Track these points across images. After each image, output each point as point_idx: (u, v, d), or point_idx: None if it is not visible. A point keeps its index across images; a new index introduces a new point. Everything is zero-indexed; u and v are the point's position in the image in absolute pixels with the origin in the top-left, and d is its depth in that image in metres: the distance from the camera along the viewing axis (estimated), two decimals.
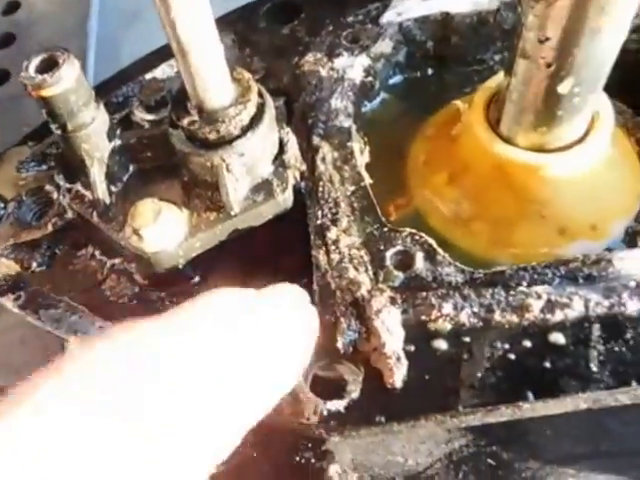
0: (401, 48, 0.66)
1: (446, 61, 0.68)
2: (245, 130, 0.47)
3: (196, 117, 0.46)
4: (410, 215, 0.59)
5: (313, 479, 0.49)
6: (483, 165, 0.54)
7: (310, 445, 0.52)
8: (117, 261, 0.55)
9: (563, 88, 0.44)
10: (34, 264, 0.55)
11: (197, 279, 0.54)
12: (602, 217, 0.54)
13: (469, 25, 0.63)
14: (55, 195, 0.57)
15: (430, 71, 0.69)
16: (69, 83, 0.44)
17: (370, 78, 0.64)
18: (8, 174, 0.61)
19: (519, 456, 0.51)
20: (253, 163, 0.49)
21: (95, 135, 0.48)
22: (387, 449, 0.53)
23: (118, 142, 0.51)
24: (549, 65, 0.43)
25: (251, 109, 0.46)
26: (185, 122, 0.46)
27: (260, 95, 0.48)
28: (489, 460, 0.51)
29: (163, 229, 0.48)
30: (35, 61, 0.44)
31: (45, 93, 0.43)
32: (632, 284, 0.43)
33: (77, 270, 0.56)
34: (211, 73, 0.43)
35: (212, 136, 0.46)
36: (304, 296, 0.42)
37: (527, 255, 0.52)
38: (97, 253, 0.56)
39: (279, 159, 0.51)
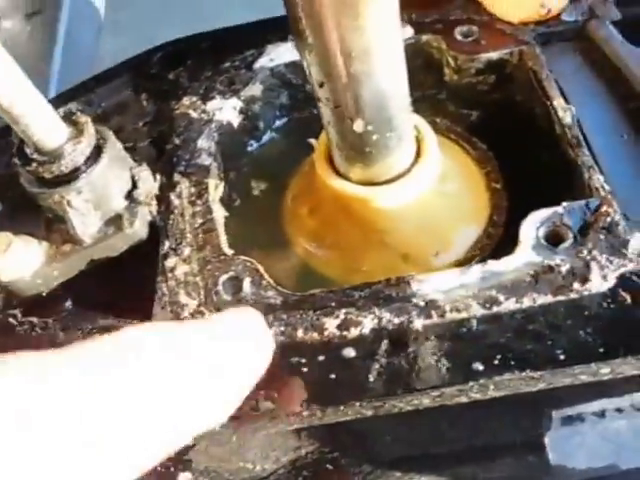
0: (281, 91, 0.69)
1: None
2: (82, 170, 0.50)
3: (36, 158, 0.49)
4: (282, 246, 0.62)
5: None
6: (329, 199, 0.57)
7: (174, 455, 0.55)
8: None
9: (357, 127, 0.47)
10: None
11: (69, 304, 0.57)
12: (442, 243, 0.57)
13: None
14: None
15: (314, 111, 0.72)
16: None
17: (249, 120, 0.67)
18: None
19: (356, 461, 0.53)
20: (98, 199, 0.52)
21: None
22: (242, 456, 0.55)
23: None
24: (337, 106, 0.46)
25: (84, 150, 0.49)
26: (24, 164, 0.49)
27: (101, 137, 0.51)
28: (328, 465, 0.53)
29: (15, 260, 0.51)
30: None
31: None
32: (422, 303, 0.45)
33: None
34: (33, 121, 0.46)
35: (48, 175, 0.49)
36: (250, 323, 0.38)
37: (376, 279, 0.55)
38: None
39: (131, 195, 0.54)
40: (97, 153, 0.50)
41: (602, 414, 0.50)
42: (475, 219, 0.59)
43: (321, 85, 0.45)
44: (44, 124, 0.47)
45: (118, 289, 0.57)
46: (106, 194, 0.52)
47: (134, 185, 0.54)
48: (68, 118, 0.50)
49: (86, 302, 0.57)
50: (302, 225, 0.62)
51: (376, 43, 0.42)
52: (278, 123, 0.71)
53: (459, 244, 0.57)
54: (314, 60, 0.43)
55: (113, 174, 0.52)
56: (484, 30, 0.65)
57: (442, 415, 0.46)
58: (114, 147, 0.52)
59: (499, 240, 0.57)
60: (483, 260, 0.55)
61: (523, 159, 0.60)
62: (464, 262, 0.56)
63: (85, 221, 0.51)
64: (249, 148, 0.70)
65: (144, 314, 0.53)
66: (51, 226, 0.53)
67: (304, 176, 0.66)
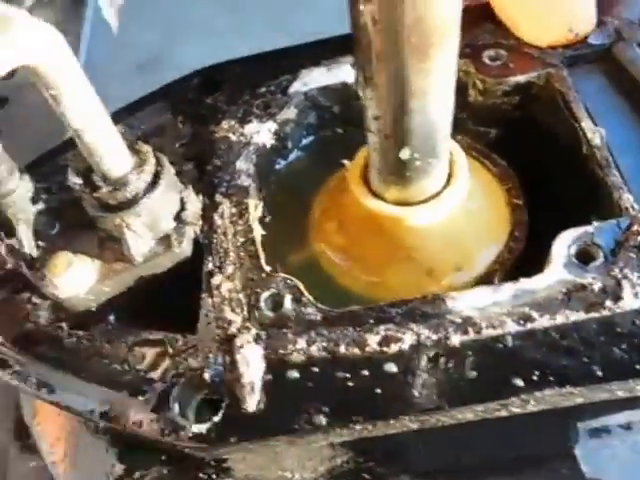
0: (310, 112, 0.71)
1: (352, 122, 0.72)
2: (142, 195, 0.52)
3: (100, 186, 0.51)
4: (308, 260, 0.64)
5: None
6: (359, 216, 0.58)
7: (213, 462, 0.57)
8: (49, 303, 0.60)
9: (403, 155, 0.48)
10: None
11: (112, 319, 0.59)
12: (465, 258, 0.58)
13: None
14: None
15: (339, 130, 0.74)
16: None
17: (281, 141, 0.69)
18: None
19: (392, 470, 0.55)
20: (153, 221, 0.54)
21: (19, 201, 0.54)
22: (280, 465, 0.57)
23: (42, 205, 0.56)
24: (387, 137, 0.48)
25: (146, 177, 0.51)
26: (92, 190, 0.52)
27: (159, 163, 0.54)
28: (365, 475, 0.55)
29: (73, 278, 0.53)
30: None
31: None
32: (458, 320, 0.47)
33: (14, 311, 0.61)
34: (105, 151, 0.48)
35: (112, 201, 0.51)
36: None
37: (401, 294, 0.56)
38: (33, 297, 0.61)
39: (179, 216, 0.56)
40: (155, 179, 0.52)
41: (628, 426, 0.51)
42: (497, 234, 0.60)
43: (376, 118, 0.46)
44: (115, 156, 0.49)
45: (159, 303, 0.59)
46: (159, 216, 0.54)
47: (182, 207, 0.56)
48: (132, 147, 0.52)
49: (129, 316, 0.59)
50: (330, 239, 0.63)
51: (437, 82, 0.44)
52: (305, 142, 0.73)
53: (481, 259, 0.59)
54: (375, 97, 0.45)
55: (167, 198, 0.54)
56: (512, 54, 0.67)
57: (475, 427, 0.48)
58: (169, 173, 0.54)
59: (520, 255, 0.59)
60: (504, 274, 0.57)
61: (543, 176, 0.61)
62: (486, 276, 0.58)
63: (139, 242, 0.53)
64: (277, 166, 0.71)
65: (185, 327, 0.55)
66: (104, 245, 0.55)
67: (331, 192, 0.68)
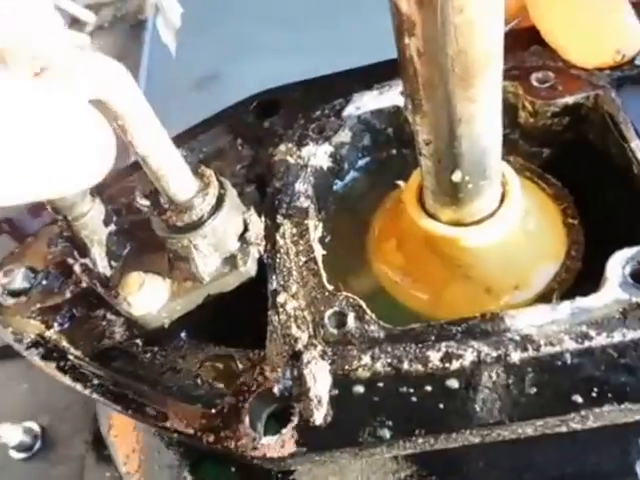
0: (364, 135, 0.73)
1: (405, 143, 0.74)
2: (207, 217, 0.54)
3: (167, 208, 0.54)
4: (368, 279, 0.66)
5: None
6: (416, 236, 0.60)
7: (280, 475, 0.59)
8: (123, 320, 0.63)
9: (455, 177, 0.50)
10: (56, 324, 0.64)
11: (184, 335, 0.61)
12: (523, 277, 0.59)
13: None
14: (74, 267, 0.66)
15: (394, 151, 0.76)
16: None
17: (337, 162, 0.71)
18: (40, 249, 0.70)
19: None
20: (218, 241, 0.56)
21: (92, 223, 0.56)
22: (344, 478, 0.59)
23: (114, 227, 0.59)
24: (439, 160, 0.49)
25: (210, 200, 0.54)
26: (159, 213, 0.54)
27: (222, 187, 0.56)
28: None
29: (146, 296, 0.55)
30: None
31: None
32: (517, 337, 0.48)
33: (91, 328, 0.64)
34: (170, 176, 0.51)
35: (179, 224, 0.53)
36: None
37: (460, 312, 0.58)
38: (108, 314, 0.64)
39: (243, 237, 0.58)
40: (219, 201, 0.55)
41: None
42: (553, 254, 0.61)
43: (427, 143, 0.48)
44: (180, 180, 0.52)
45: (227, 320, 0.61)
46: (224, 237, 0.56)
47: (245, 227, 0.58)
48: (196, 171, 0.54)
49: (199, 332, 0.62)
50: (388, 258, 0.65)
51: (483, 109, 0.45)
52: (360, 163, 0.75)
53: (539, 278, 0.60)
54: (424, 123, 0.47)
55: (231, 219, 0.56)
56: (559, 76, 0.67)
57: (536, 443, 0.49)
58: (232, 195, 0.56)
59: (577, 274, 0.60)
60: (563, 293, 0.58)
61: (596, 195, 0.62)
62: (544, 295, 0.59)
63: (206, 261, 0.55)
64: (334, 187, 0.73)
65: (253, 343, 0.57)
66: (173, 264, 0.58)
67: (387, 212, 0.69)
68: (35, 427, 0.80)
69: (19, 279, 0.67)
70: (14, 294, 0.68)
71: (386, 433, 0.46)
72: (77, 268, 0.63)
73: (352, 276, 0.65)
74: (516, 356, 0.47)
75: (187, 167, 0.53)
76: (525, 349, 0.48)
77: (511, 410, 0.45)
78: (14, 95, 0.35)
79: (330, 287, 0.57)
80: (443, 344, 0.49)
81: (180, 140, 0.76)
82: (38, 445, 0.79)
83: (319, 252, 0.60)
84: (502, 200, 0.58)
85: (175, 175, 0.51)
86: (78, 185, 0.38)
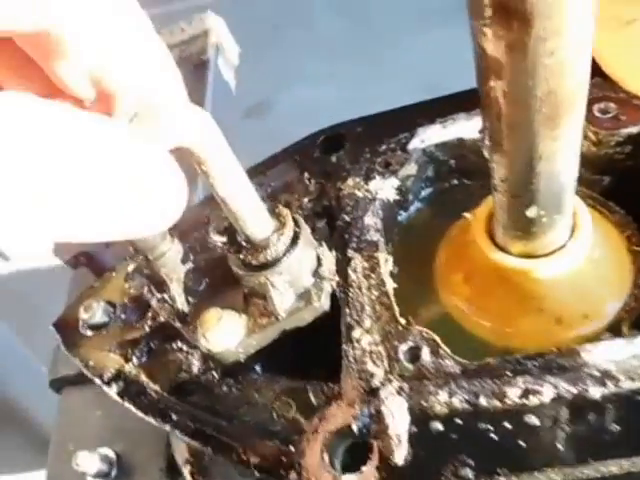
0: (428, 166, 0.73)
1: (467, 173, 0.74)
2: (283, 255, 0.55)
3: (244, 247, 0.55)
4: (437, 311, 0.65)
5: None
6: (485, 268, 0.59)
7: None
8: (199, 353, 0.64)
9: (531, 213, 0.49)
10: (134, 358, 0.65)
11: (258, 369, 0.62)
12: (592, 307, 0.58)
13: (481, 146, 0.69)
14: (152, 301, 0.67)
15: (455, 182, 0.75)
16: None
17: (402, 194, 0.71)
18: (118, 283, 0.72)
19: None
20: (293, 278, 0.56)
21: (171, 261, 0.58)
22: None
23: (191, 265, 0.60)
24: (515, 196, 0.49)
25: (286, 240, 0.54)
26: (236, 251, 0.55)
27: (296, 224, 0.56)
28: None
29: (224, 333, 0.56)
30: None
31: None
32: (596, 373, 0.47)
33: (168, 361, 0.65)
34: (248, 217, 0.51)
35: (256, 262, 0.54)
36: None
37: (531, 342, 0.57)
38: (184, 347, 0.65)
39: (317, 272, 0.59)
40: (295, 239, 0.55)
41: None
42: (621, 282, 0.60)
43: (504, 180, 0.48)
44: (258, 221, 0.52)
45: (300, 354, 0.61)
46: (300, 273, 0.56)
47: (319, 263, 0.59)
48: (272, 211, 0.55)
49: (273, 366, 0.62)
50: (456, 290, 0.64)
51: (565, 146, 0.45)
52: (423, 194, 0.75)
53: (608, 307, 0.58)
54: (502, 161, 0.46)
55: (305, 255, 0.57)
56: (621, 106, 0.66)
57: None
58: (306, 232, 0.57)
59: None
60: (631, 322, 0.56)
61: None
62: (614, 325, 0.58)
63: (283, 298, 0.56)
64: (399, 218, 0.73)
65: (327, 376, 0.57)
66: (249, 300, 0.58)
67: (453, 242, 0.69)
68: (111, 454, 0.81)
69: (99, 313, 0.69)
70: (94, 328, 0.69)
71: (468, 472, 0.45)
72: (154, 303, 0.64)
73: (420, 307, 0.64)
74: (596, 392, 0.46)
75: (264, 208, 0.53)
76: (604, 385, 0.46)
77: (595, 448, 0.44)
78: (111, 142, 0.35)
79: (402, 320, 0.56)
80: (520, 379, 0.49)
81: (249, 175, 0.78)
82: (114, 472, 0.79)
83: (390, 285, 0.60)
84: (572, 231, 0.57)
85: (254, 216, 0.52)
86: (152, 228, 0.38)
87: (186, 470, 0.72)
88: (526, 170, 0.46)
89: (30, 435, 1.56)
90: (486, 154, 0.48)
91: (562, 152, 0.45)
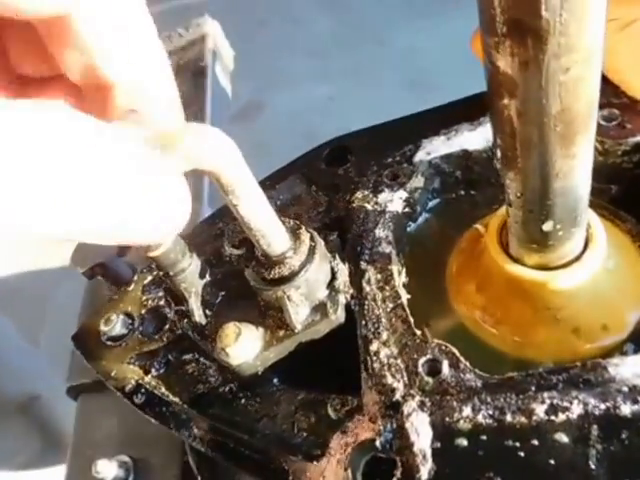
0: (435, 178, 0.67)
1: (473, 184, 0.68)
2: (299, 270, 0.49)
3: (262, 261, 0.49)
4: (451, 322, 0.59)
5: None
6: (500, 279, 0.54)
7: None
8: (216, 365, 0.58)
9: (547, 227, 0.44)
10: (153, 370, 0.59)
11: (276, 381, 0.56)
12: (611, 317, 0.53)
13: (486, 157, 0.64)
14: (169, 313, 0.61)
15: (462, 192, 0.70)
16: (167, 247, 0.47)
17: (411, 206, 0.65)
18: (136, 295, 0.66)
19: None
20: (309, 291, 0.51)
21: (190, 276, 0.52)
22: None
23: (209, 278, 0.54)
24: (530, 211, 0.43)
25: (302, 255, 0.49)
26: (254, 266, 0.49)
27: (312, 239, 0.51)
28: None
29: (243, 347, 0.50)
30: None
31: (151, 254, 0.47)
32: (625, 389, 0.41)
33: (186, 373, 0.59)
34: (269, 236, 0.46)
35: (272, 277, 0.48)
36: None
37: (548, 352, 0.51)
38: (202, 359, 0.59)
39: (332, 285, 0.53)
40: (311, 254, 0.49)
41: None
42: (638, 292, 0.54)
43: (519, 197, 0.42)
44: (275, 236, 0.47)
45: (317, 366, 0.55)
46: (315, 287, 0.51)
47: (333, 276, 0.53)
48: (288, 226, 0.49)
49: (291, 378, 0.56)
50: (470, 300, 0.59)
51: (580, 163, 0.39)
52: (431, 204, 0.69)
53: (627, 317, 0.53)
54: (518, 178, 0.41)
55: (321, 269, 0.51)
56: (626, 113, 0.61)
57: None
58: (321, 246, 0.51)
59: None
60: None
61: None
62: (634, 334, 0.52)
63: (299, 311, 0.50)
64: (408, 229, 0.68)
65: (343, 388, 0.51)
66: (265, 314, 0.53)
67: (464, 253, 0.63)
68: (128, 460, 0.75)
69: (118, 326, 0.63)
70: (114, 340, 0.63)
71: None
72: (172, 315, 0.59)
73: (433, 317, 0.59)
74: (626, 409, 0.41)
75: (281, 224, 0.48)
76: (636, 401, 0.41)
77: (628, 467, 0.38)
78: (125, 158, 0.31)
79: (418, 332, 0.51)
80: (546, 395, 0.43)
81: None
82: (131, 478, 0.74)
83: (405, 297, 0.54)
84: (586, 242, 0.51)
85: (271, 232, 0.46)
86: (155, 234, 0.35)
87: (200, 477, 0.66)
88: (542, 187, 0.40)
89: (48, 433, 1.49)
90: (499, 169, 0.42)
91: (578, 169, 0.40)
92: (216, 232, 0.68)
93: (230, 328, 0.51)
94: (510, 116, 0.37)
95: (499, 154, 0.41)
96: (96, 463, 0.73)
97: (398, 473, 0.43)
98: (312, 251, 0.50)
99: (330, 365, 0.55)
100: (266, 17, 2.73)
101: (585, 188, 0.43)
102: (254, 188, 0.42)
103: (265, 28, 2.67)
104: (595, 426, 0.41)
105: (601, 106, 0.62)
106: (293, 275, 0.49)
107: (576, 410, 0.41)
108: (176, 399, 0.55)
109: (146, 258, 0.48)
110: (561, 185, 0.41)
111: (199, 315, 0.54)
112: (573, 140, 0.37)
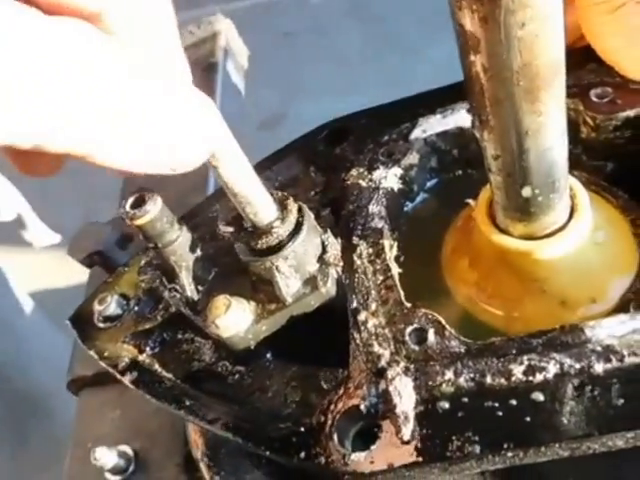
0: (432, 157, 0.72)
1: (471, 163, 0.73)
2: (287, 240, 0.54)
3: (250, 232, 0.54)
4: (444, 297, 0.64)
5: None
6: (489, 252, 0.58)
7: None
8: (210, 342, 0.63)
9: (525, 192, 0.49)
10: (148, 348, 0.64)
11: (269, 356, 0.61)
12: (598, 289, 0.57)
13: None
14: (163, 293, 0.67)
15: (460, 172, 0.74)
16: (153, 214, 0.52)
17: (407, 184, 0.70)
18: (132, 277, 0.72)
19: None
20: (299, 263, 0.56)
21: (180, 249, 0.57)
22: None
23: (200, 253, 0.59)
24: (508, 175, 0.48)
25: (289, 225, 0.54)
26: (242, 237, 0.54)
27: (300, 211, 0.56)
28: None
29: (233, 319, 0.55)
30: (130, 200, 0.53)
31: (137, 222, 0.53)
32: (599, 348, 0.46)
33: (181, 351, 0.64)
34: (254, 204, 0.51)
35: (261, 247, 0.53)
36: None
37: (536, 325, 0.56)
38: (197, 338, 0.64)
39: (322, 258, 0.58)
40: (298, 224, 0.54)
41: None
42: (626, 264, 0.59)
43: (495, 158, 0.47)
44: (261, 206, 0.52)
45: (309, 340, 0.60)
46: (305, 258, 0.56)
47: (324, 249, 0.58)
48: (276, 197, 0.54)
49: (283, 352, 0.61)
50: (463, 276, 0.64)
51: (549, 122, 0.44)
52: (429, 184, 0.74)
53: (614, 289, 0.57)
54: (492, 138, 0.46)
55: (310, 241, 0.56)
56: (618, 91, 0.65)
57: (625, 457, 0.46)
58: (310, 218, 0.56)
59: None
60: (639, 303, 0.55)
61: None
62: (621, 306, 0.56)
63: (288, 283, 0.55)
64: (405, 209, 0.72)
65: (336, 361, 0.56)
66: (257, 287, 0.58)
67: (459, 230, 0.68)
68: (129, 451, 0.80)
69: (113, 306, 0.68)
70: (108, 320, 0.69)
71: (475, 448, 0.44)
72: (166, 294, 0.64)
73: (427, 294, 0.63)
74: (600, 367, 0.45)
75: (268, 194, 0.53)
76: (608, 360, 0.45)
77: (600, 422, 0.43)
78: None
79: (408, 304, 0.55)
80: (525, 357, 0.48)
81: (256, 171, 0.77)
82: (132, 468, 0.79)
83: (395, 270, 0.59)
84: (571, 213, 0.56)
85: (257, 201, 0.51)
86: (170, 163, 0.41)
87: (202, 464, 0.71)
88: (515, 147, 0.46)
89: (50, 427, 1.55)
90: (477, 134, 0.47)
91: (547, 128, 0.45)
92: (212, 212, 0.73)
93: (220, 300, 0.56)
94: (477, 72, 0.43)
95: (474, 116, 0.46)
96: (95, 450, 0.78)
97: (382, 435, 0.47)
98: (300, 222, 0.55)
99: (323, 340, 0.60)
100: (292, 28, 2.78)
101: (560, 152, 0.48)
102: (235, 149, 0.47)
103: (290, 39, 2.73)
104: (569, 385, 0.45)
105: (595, 85, 0.67)
106: (281, 246, 0.54)
107: (552, 370, 0.46)
108: (170, 375, 0.61)
109: (133, 227, 0.53)
110: (533, 144, 0.45)
111: (190, 290, 0.59)
112: (537, 96, 0.42)
